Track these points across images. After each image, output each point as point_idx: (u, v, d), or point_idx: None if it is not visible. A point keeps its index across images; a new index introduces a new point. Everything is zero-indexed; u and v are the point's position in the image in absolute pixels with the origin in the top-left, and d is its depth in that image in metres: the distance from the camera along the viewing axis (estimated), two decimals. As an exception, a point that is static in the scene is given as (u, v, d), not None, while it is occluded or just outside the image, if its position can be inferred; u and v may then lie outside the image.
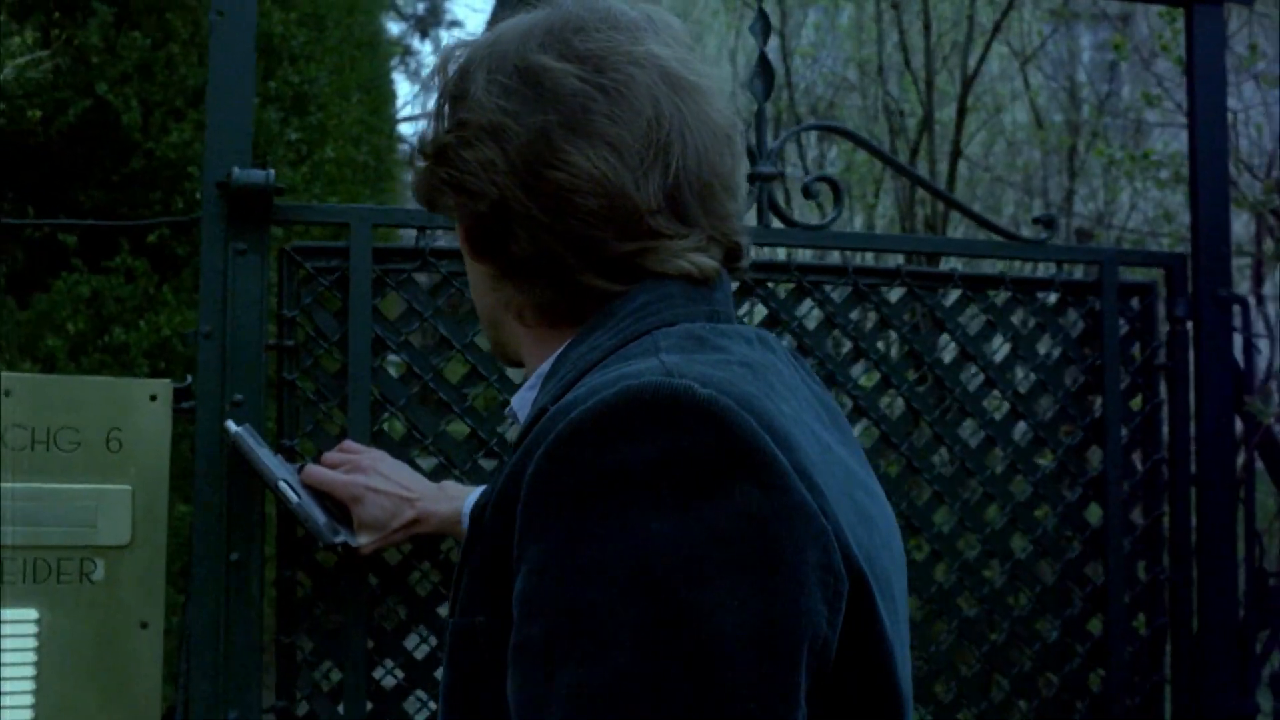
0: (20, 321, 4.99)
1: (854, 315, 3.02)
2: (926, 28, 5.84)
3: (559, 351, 1.26)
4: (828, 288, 2.99)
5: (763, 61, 2.96)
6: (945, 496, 3.06)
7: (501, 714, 1.06)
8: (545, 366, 1.28)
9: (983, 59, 6.05)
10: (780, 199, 2.95)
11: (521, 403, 1.32)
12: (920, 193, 5.88)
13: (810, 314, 3.00)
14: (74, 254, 5.11)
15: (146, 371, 4.85)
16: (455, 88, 1.29)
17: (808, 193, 2.96)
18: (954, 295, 3.10)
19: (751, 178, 2.90)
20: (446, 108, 1.30)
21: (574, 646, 0.98)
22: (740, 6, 10.69)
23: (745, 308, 2.96)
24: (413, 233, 2.82)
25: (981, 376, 3.12)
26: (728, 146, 1.27)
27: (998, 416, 3.13)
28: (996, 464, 3.11)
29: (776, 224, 2.94)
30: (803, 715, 1.02)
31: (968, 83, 5.89)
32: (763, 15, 2.98)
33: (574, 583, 0.99)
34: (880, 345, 3.05)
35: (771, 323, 2.95)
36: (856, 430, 3.01)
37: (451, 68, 1.32)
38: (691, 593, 0.97)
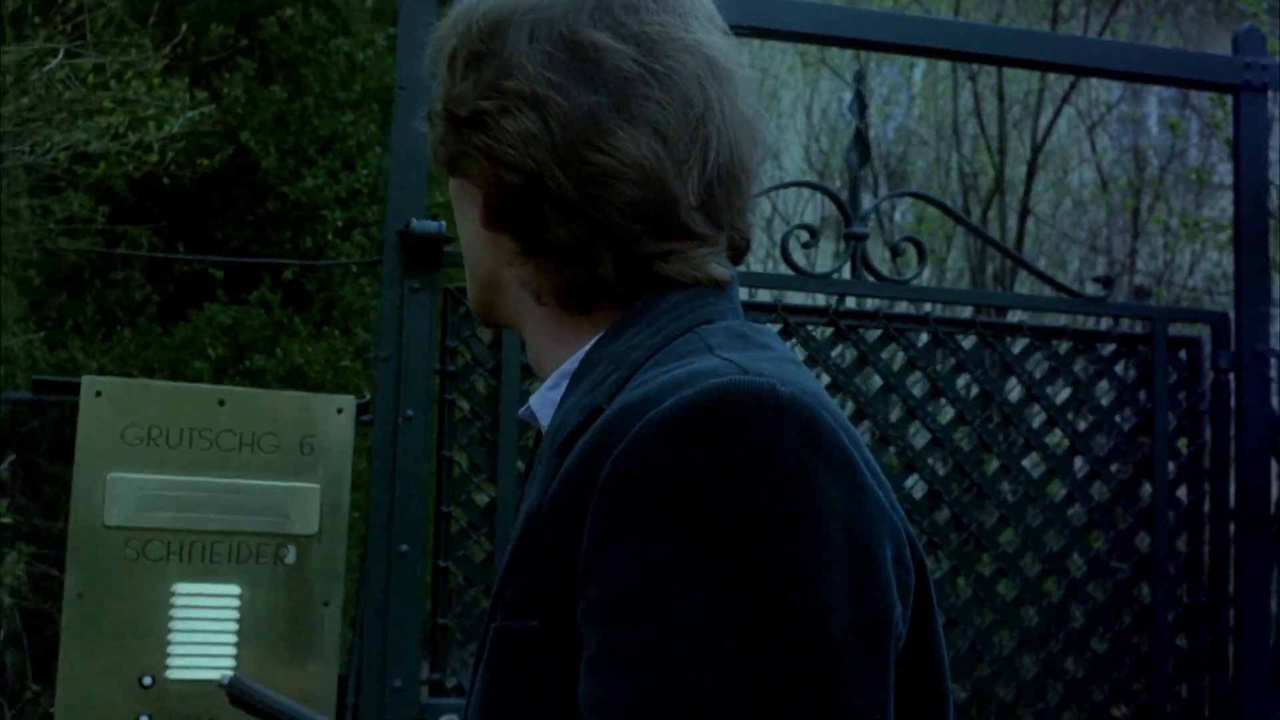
0: (166, 346, 5.52)
1: (933, 359, 3.45)
2: (1000, 99, 6.28)
3: (585, 349, 1.20)
4: (911, 334, 3.43)
5: (858, 136, 3.42)
6: (1010, 520, 3.48)
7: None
8: (569, 365, 1.21)
9: (1053, 124, 6.47)
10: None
11: (543, 403, 1.24)
12: (990, 248, 6.30)
13: (895, 357, 3.43)
14: (219, 286, 5.64)
15: (279, 394, 5.33)
16: (482, 44, 1.22)
17: (895, 251, 3.41)
18: (1021, 344, 3.53)
19: (847, 237, 3.35)
20: (470, 63, 1.23)
21: (680, 650, 0.97)
22: (816, 62, 11.13)
23: (837, 350, 3.40)
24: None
25: (1044, 416, 3.54)
26: (754, 136, 1.24)
27: (1059, 451, 3.55)
28: (1057, 493, 3.53)
29: (867, 277, 3.39)
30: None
31: (1038, 146, 6.30)
32: (859, 96, 3.44)
33: (674, 586, 0.98)
34: (956, 386, 3.48)
35: (860, 364, 3.39)
36: (933, 460, 3.45)
37: (477, 20, 1.24)
38: (796, 592, 0.97)
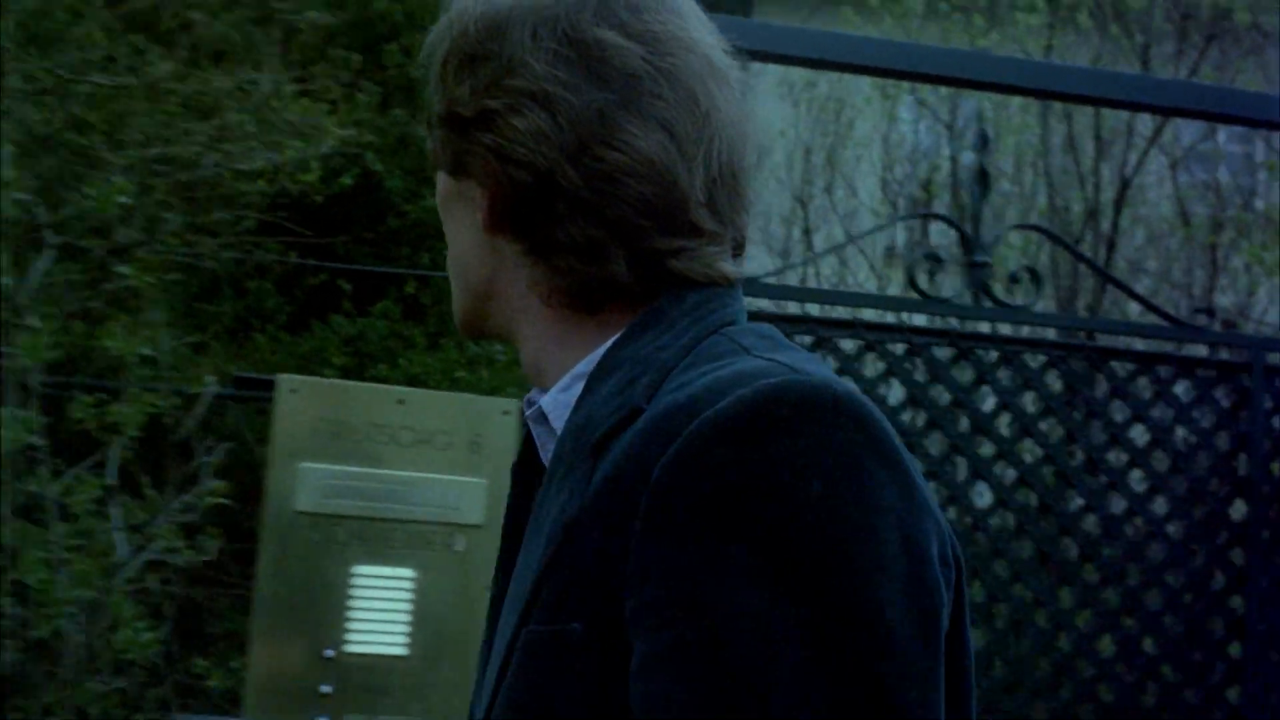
0: (293, 354, 5.84)
1: (1047, 380, 3.71)
2: (1098, 137, 6.53)
3: (600, 351, 1.19)
4: (1025, 357, 3.69)
5: (980, 172, 3.68)
6: (1114, 532, 3.72)
7: None
8: (584, 367, 1.20)
9: (1141, 161, 6.72)
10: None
11: (555, 404, 1.21)
12: (1080, 276, 6.56)
13: (1011, 377, 3.69)
14: (346, 298, 5.98)
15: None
16: (479, 46, 1.21)
17: (1014, 279, 3.68)
18: (1128, 368, 3.78)
19: (969, 265, 3.62)
20: (466, 65, 1.22)
21: (742, 650, 0.97)
22: (896, 93, 11.35)
23: (956, 370, 3.66)
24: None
25: (1149, 435, 3.78)
26: (746, 137, 1.26)
27: (1161, 469, 3.79)
28: (1159, 508, 3.77)
29: (986, 303, 3.65)
30: None
31: (1126, 182, 6.55)
32: (982, 135, 3.71)
33: (734, 584, 0.98)
34: (1068, 407, 3.74)
35: (978, 383, 3.65)
36: (1045, 473, 3.70)
37: (472, 22, 1.23)
38: (856, 590, 0.98)
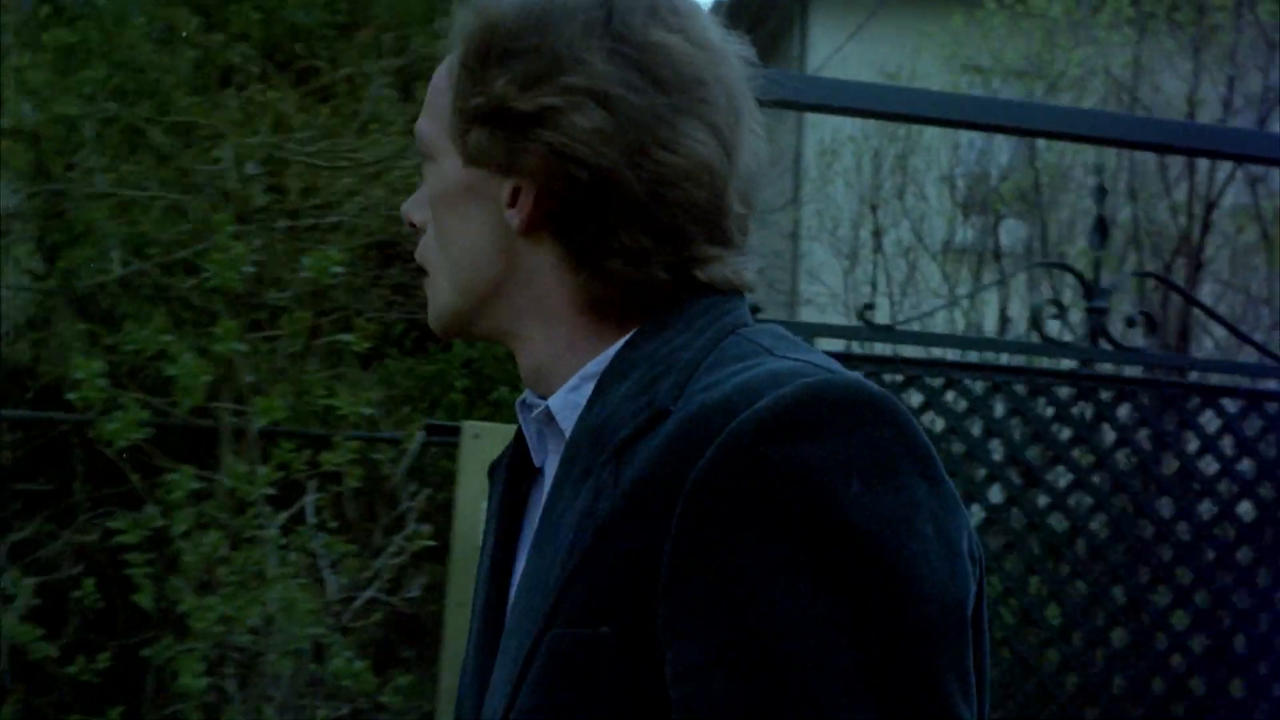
0: (419, 378, 6.16)
1: (1160, 417, 3.97)
2: (1191, 171, 6.76)
3: (610, 351, 1.18)
4: (1140, 396, 3.95)
5: (1100, 221, 3.94)
6: (1226, 559, 3.98)
7: None
8: (594, 367, 1.18)
9: (1226, 185, 6.94)
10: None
11: (564, 405, 1.18)
12: (1170, 305, 6.81)
13: (1128, 414, 3.95)
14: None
15: (521, 425, 5.93)
16: (517, 40, 1.17)
17: (1131, 322, 3.94)
18: (1238, 405, 4.03)
19: (1088, 310, 3.88)
20: (502, 60, 1.18)
21: (790, 648, 0.99)
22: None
23: (1077, 409, 3.92)
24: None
25: (1256, 469, 4.03)
26: (759, 150, 1.25)
27: (1268, 499, 4.04)
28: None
29: (1105, 346, 3.92)
30: None
31: (1211, 204, 6.79)
32: (1101, 187, 3.97)
33: (778, 583, 0.99)
34: (1181, 441, 3.99)
35: (1098, 419, 3.92)
36: (1159, 504, 3.97)
37: (501, 17, 1.19)
38: (899, 585, 1.00)
